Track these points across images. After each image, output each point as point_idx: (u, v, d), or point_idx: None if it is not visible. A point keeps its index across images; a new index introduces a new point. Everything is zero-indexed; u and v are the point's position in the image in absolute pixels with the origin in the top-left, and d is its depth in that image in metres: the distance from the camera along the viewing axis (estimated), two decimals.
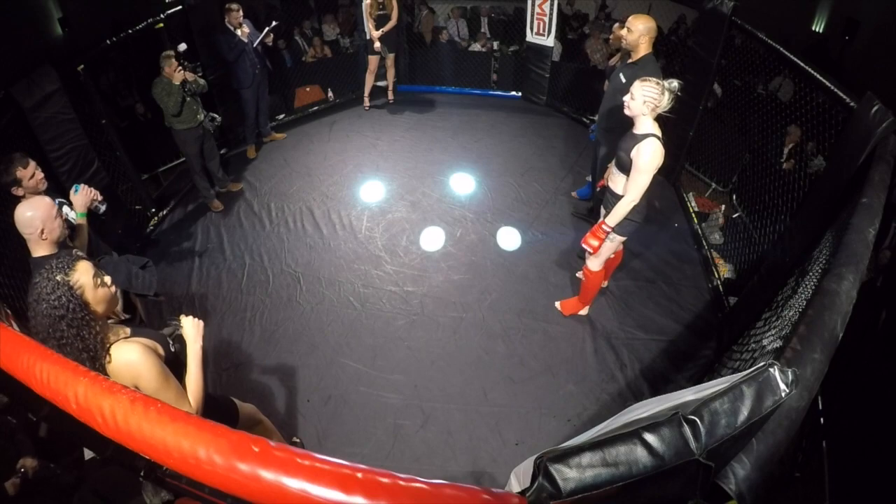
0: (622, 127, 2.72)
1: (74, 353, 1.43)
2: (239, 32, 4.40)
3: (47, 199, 2.13)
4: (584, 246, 2.85)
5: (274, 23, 4.71)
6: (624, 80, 3.20)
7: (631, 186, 2.58)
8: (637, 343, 3.26)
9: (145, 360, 1.50)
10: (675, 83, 2.46)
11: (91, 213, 2.49)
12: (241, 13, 4.38)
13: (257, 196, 4.59)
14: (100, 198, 2.51)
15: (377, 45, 5.25)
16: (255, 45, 4.53)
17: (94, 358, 1.46)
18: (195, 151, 4.06)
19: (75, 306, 1.44)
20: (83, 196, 2.47)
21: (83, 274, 1.49)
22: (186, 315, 1.76)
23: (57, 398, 1.03)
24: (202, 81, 3.93)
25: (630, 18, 3.19)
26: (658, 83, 2.43)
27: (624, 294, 3.58)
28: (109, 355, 1.50)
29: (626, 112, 2.55)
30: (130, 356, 1.49)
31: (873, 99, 2.29)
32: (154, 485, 1.49)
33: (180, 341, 1.74)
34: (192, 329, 1.72)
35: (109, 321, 1.62)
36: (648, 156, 2.48)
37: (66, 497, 2.33)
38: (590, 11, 7.82)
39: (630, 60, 3.23)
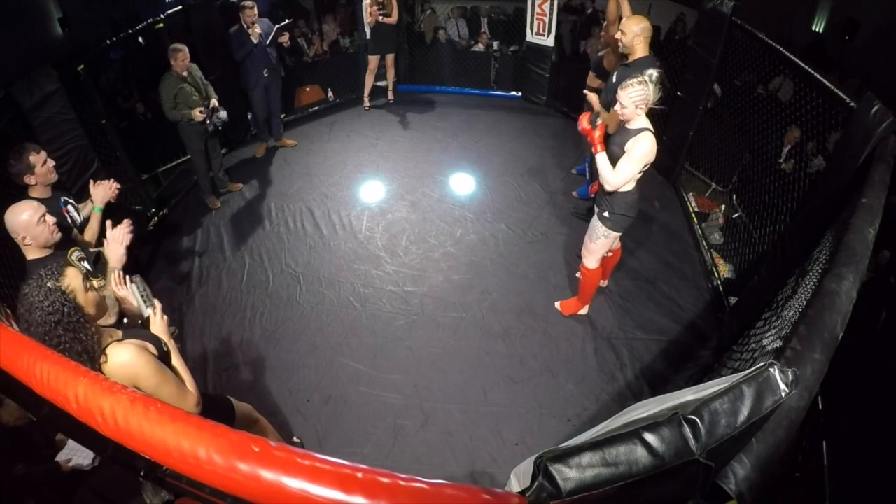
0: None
1: (73, 356, 1.43)
2: (251, 32, 4.34)
3: (33, 205, 2.08)
4: (580, 123, 2.81)
5: (287, 20, 4.64)
6: (615, 82, 3.20)
7: (616, 172, 2.58)
8: (637, 343, 3.26)
9: (140, 359, 1.53)
10: (654, 73, 2.47)
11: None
12: (255, 11, 4.31)
13: (257, 196, 4.59)
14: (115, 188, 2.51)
15: (371, 20, 5.13)
16: (266, 43, 4.44)
17: (92, 359, 1.47)
18: (199, 147, 4.08)
19: (70, 310, 1.46)
20: (102, 190, 2.47)
21: (73, 279, 1.51)
22: (154, 313, 1.82)
23: (57, 398, 1.03)
24: (223, 114, 3.96)
25: (623, 21, 3.18)
26: (640, 81, 2.44)
27: (624, 294, 3.58)
28: (106, 356, 1.51)
29: (622, 119, 2.57)
30: (124, 357, 1.51)
31: (873, 99, 2.29)
32: (154, 485, 1.49)
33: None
34: (160, 326, 1.78)
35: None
36: (644, 148, 2.50)
37: (67, 496, 2.32)
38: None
39: (626, 62, 3.23)
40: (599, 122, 2.70)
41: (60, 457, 2.28)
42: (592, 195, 3.11)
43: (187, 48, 3.77)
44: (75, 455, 2.29)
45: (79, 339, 1.46)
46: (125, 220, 2.09)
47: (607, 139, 2.76)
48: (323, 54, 6.41)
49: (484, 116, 5.76)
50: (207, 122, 3.86)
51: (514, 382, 3.03)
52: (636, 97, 2.44)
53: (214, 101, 4.00)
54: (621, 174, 2.58)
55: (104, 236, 2.07)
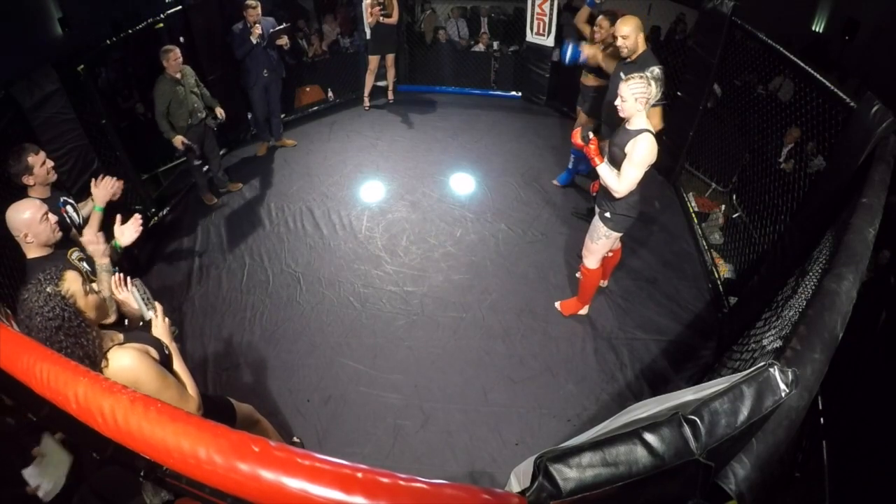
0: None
1: (75, 361, 1.43)
2: (251, 31, 4.32)
3: (35, 203, 2.09)
4: (573, 140, 2.75)
5: (284, 24, 4.64)
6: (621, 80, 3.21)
7: (622, 179, 2.57)
8: (637, 343, 3.26)
9: (141, 364, 1.53)
10: (656, 70, 2.47)
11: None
12: (258, 11, 4.31)
13: (257, 196, 4.59)
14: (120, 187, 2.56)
15: (372, 20, 5.15)
16: (264, 43, 4.43)
17: (93, 364, 1.47)
18: (196, 147, 4.08)
19: (70, 315, 1.45)
20: (104, 189, 2.47)
21: (73, 283, 1.50)
22: (156, 315, 1.83)
23: (57, 398, 1.03)
24: (221, 115, 4.11)
25: (618, 24, 3.19)
26: (642, 77, 2.44)
27: (624, 294, 3.58)
28: (107, 360, 1.51)
29: (622, 115, 2.56)
30: (125, 362, 1.51)
31: (873, 99, 2.29)
32: (154, 485, 1.49)
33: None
34: (162, 328, 1.79)
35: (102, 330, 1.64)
36: (645, 150, 2.49)
37: (66, 498, 2.32)
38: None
39: (629, 60, 3.23)
40: (591, 136, 2.70)
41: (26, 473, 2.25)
42: (594, 194, 3.10)
43: (178, 49, 3.76)
44: (33, 479, 2.27)
45: (80, 343, 1.45)
46: (136, 215, 2.26)
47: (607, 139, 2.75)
48: (322, 54, 6.40)
49: (484, 116, 5.76)
50: (181, 148, 3.94)
51: (514, 382, 3.03)
52: (637, 91, 2.44)
53: (220, 111, 4.06)
54: (626, 180, 2.56)
55: (106, 235, 2.10)
